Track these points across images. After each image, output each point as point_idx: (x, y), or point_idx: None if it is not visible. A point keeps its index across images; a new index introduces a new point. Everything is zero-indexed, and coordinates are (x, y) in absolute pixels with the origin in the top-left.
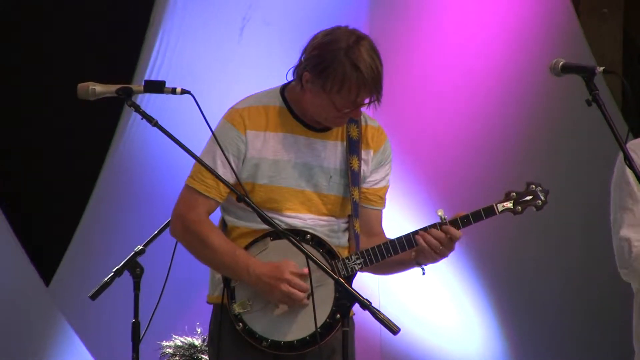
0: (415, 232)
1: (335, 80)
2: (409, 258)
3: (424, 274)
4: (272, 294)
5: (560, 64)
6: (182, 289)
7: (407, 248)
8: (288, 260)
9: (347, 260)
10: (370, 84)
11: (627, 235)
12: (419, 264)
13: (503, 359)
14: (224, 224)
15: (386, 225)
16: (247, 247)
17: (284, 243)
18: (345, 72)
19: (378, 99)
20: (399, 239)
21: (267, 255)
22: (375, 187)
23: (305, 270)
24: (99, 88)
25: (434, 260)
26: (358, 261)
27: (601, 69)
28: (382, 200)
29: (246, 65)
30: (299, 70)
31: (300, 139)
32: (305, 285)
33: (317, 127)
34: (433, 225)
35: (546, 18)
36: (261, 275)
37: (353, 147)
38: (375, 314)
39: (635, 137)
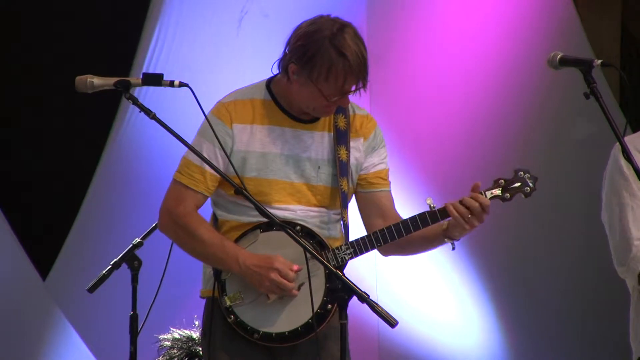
0: (409, 219)
1: (321, 68)
2: (435, 233)
3: (453, 249)
4: (262, 283)
5: (559, 56)
6: (180, 282)
7: (402, 235)
8: (279, 252)
9: (336, 251)
10: (357, 70)
11: (628, 232)
12: (451, 239)
13: (501, 352)
14: (214, 218)
15: None
16: (237, 240)
17: (274, 235)
18: (331, 60)
19: (364, 86)
20: (389, 228)
21: (257, 247)
22: (374, 170)
23: (296, 266)
24: (97, 81)
25: (464, 230)
26: (348, 251)
27: (599, 61)
28: (385, 181)
29: (244, 57)
30: (284, 62)
31: (287, 130)
32: (294, 275)
33: (304, 119)
34: (422, 214)
35: (545, 12)
36: (251, 265)
37: (341, 138)
38: (373, 306)
39: (634, 130)
